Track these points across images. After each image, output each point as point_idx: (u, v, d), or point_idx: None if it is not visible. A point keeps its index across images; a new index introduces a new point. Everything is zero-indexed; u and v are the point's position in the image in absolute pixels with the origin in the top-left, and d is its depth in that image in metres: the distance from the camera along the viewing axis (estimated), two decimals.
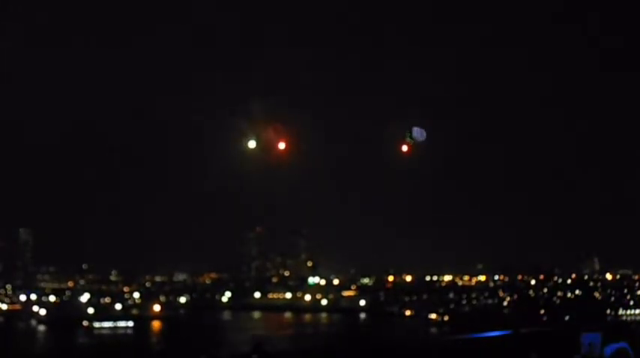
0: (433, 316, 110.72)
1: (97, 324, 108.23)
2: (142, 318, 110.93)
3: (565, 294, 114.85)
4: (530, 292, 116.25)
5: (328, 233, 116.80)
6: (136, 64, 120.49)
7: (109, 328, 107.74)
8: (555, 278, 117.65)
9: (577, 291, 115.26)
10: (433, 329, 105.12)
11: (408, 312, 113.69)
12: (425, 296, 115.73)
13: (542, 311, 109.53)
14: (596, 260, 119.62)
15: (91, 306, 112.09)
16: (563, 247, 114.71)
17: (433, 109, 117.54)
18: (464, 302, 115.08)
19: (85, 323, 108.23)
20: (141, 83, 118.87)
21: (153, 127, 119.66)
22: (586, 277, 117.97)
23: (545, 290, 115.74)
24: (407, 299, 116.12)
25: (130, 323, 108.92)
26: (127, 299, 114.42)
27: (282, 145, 32.79)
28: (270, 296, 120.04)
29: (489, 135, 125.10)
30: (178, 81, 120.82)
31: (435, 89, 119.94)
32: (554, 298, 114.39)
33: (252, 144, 32.12)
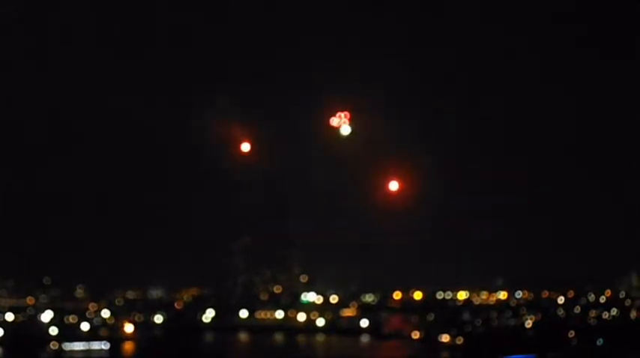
0: (445, 338, 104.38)
1: (66, 346, 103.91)
2: (113, 340, 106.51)
3: (600, 314, 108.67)
4: (560, 311, 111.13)
5: (325, 243, 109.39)
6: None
7: (81, 351, 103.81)
8: (587, 295, 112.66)
9: (613, 311, 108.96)
10: (444, 354, 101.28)
11: (415, 334, 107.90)
12: (435, 316, 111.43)
13: (571, 334, 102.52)
14: (634, 275, 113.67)
15: (55, 326, 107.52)
16: (596, 260, 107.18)
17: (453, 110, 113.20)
18: (479, 322, 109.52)
19: (54, 344, 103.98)
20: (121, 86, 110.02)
21: (130, 129, 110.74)
22: (622, 295, 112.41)
23: (578, 308, 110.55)
24: (415, 318, 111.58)
25: (106, 346, 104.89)
26: (94, 318, 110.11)
27: (246, 146, 36.15)
28: (258, 315, 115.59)
29: (518, 133, 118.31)
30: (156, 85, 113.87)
31: (449, 91, 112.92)
32: (588, 319, 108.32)
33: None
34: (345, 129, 47.47)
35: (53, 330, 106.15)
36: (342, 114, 49.27)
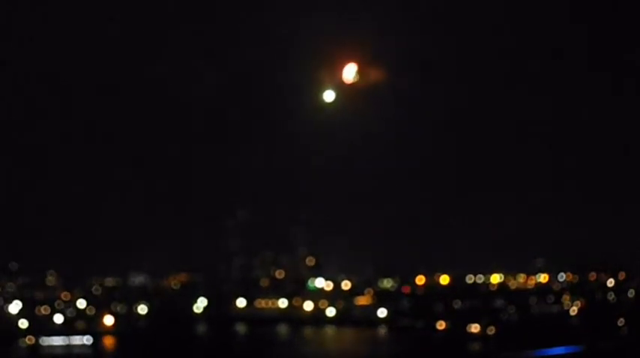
0: (474, 328, 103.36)
1: (44, 341, 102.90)
2: (91, 333, 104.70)
3: None
4: (611, 296, 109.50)
5: (336, 219, 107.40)
6: None
7: (61, 346, 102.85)
8: None
9: None
10: (474, 345, 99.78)
11: (441, 324, 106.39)
12: (463, 304, 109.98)
13: (621, 322, 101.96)
14: None
15: (24, 318, 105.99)
16: None
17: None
18: (514, 309, 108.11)
19: (29, 339, 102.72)
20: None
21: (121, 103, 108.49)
22: None
23: (633, 293, 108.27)
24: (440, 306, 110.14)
25: (88, 340, 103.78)
26: (67, 309, 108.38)
27: None
28: (258, 304, 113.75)
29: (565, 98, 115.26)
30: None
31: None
32: None
33: None
34: (330, 96, 47.09)
35: (23, 323, 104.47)
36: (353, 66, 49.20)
